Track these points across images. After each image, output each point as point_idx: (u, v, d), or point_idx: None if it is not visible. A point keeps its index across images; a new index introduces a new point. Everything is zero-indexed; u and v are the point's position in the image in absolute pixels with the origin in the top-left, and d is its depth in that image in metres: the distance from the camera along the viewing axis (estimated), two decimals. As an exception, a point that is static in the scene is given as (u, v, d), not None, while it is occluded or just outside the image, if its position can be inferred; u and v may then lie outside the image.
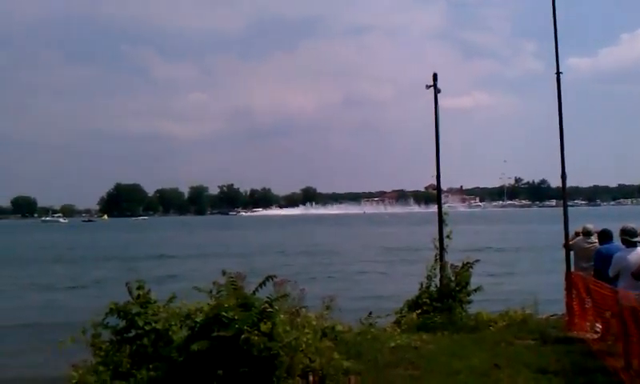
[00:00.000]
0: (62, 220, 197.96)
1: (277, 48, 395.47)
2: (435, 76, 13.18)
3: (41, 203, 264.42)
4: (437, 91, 13.22)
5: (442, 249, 12.93)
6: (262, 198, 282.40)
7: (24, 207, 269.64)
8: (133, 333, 7.67)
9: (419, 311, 12.11)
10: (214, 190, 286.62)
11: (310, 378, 7.05)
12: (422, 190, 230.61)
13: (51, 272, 40.25)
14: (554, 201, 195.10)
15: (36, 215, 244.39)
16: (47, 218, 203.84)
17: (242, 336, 6.55)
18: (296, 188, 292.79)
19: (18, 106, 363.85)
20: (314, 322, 8.33)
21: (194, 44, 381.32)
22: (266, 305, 7.02)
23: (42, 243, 75.71)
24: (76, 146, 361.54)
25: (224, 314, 6.69)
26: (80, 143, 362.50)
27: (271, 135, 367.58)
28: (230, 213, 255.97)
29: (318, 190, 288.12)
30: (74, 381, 7.22)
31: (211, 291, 7.24)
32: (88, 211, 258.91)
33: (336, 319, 9.77)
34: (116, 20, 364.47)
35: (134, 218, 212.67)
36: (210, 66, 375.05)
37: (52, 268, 43.08)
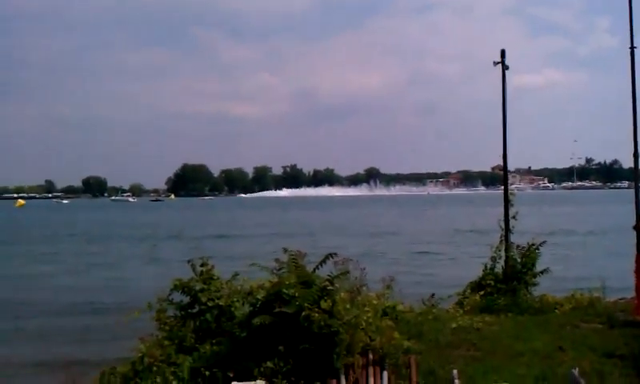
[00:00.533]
0: (130, 199, 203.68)
1: (342, 27, 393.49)
2: (503, 52, 12.84)
3: (111, 183, 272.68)
4: (504, 68, 12.87)
5: (507, 230, 12.66)
6: (325, 179, 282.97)
7: (95, 187, 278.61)
8: (196, 308, 7.84)
9: (482, 293, 11.93)
10: (277, 171, 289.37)
11: (370, 356, 7.05)
12: (489, 170, 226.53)
13: (119, 249, 41.62)
14: (626, 182, 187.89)
15: (106, 195, 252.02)
16: (117, 198, 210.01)
17: (303, 313, 6.60)
18: (359, 169, 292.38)
19: (90, 88, 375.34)
20: (375, 302, 8.31)
21: (261, 25, 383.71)
22: (327, 283, 7.04)
23: (113, 221, 78.24)
24: (145, 127, 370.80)
25: (285, 291, 6.75)
26: (149, 124, 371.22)
27: (335, 115, 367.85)
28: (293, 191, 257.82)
29: (382, 171, 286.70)
30: (141, 353, 7.43)
31: (273, 269, 7.31)
32: (156, 191, 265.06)
33: (397, 299, 9.73)
34: (185, 3, 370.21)
35: (199, 198, 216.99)
36: (277, 46, 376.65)
37: (121, 245, 44.52)
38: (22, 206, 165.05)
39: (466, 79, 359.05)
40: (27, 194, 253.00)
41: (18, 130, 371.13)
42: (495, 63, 12.86)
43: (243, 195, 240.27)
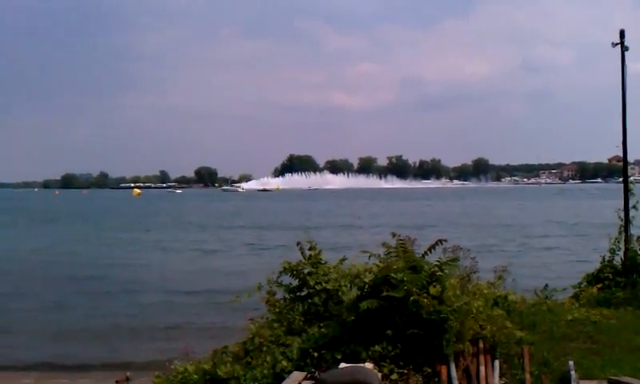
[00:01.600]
0: (240, 189, 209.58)
1: (448, 14, 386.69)
2: (622, 33, 12.07)
3: (221, 173, 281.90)
4: (624, 49, 12.09)
5: (627, 221, 11.97)
6: (432, 170, 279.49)
7: (206, 177, 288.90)
8: (305, 291, 7.92)
9: (600, 285, 11.34)
10: (382, 162, 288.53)
11: (481, 344, 6.87)
12: (605, 161, 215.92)
13: (230, 236, 42.96)
14: None
15: (217, 185, 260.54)
16: (227, 188, 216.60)
17: (411, 298, 6.51)
18: (467, 159, 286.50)
19: (200, 79, 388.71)
20: (486, 291, 8.10)
21: (365, 14, 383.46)
22: (436, 268, 6.92)
23: (223, 210, 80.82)
24: (253, 118, 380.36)
25: (393, 275, 6.68)
26: (257, 115, 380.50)
27: (442, 104, 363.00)
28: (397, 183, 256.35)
29: (491, 162, 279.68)
30: (251, 333, 7.61)
31: (381, 255, 7.25)
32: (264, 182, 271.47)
33: (509, 290, 9.43)
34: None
35: (305, 188, 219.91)
36: (380, 35, 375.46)
37: (229, 233, 45.92)
38: (139, 195, 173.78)
39: (581, 65, 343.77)
40: (143, 183, 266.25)
41: (135, 121, 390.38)
42: (614, 44, 12.10)
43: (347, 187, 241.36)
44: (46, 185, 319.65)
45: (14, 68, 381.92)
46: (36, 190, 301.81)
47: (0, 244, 39.32)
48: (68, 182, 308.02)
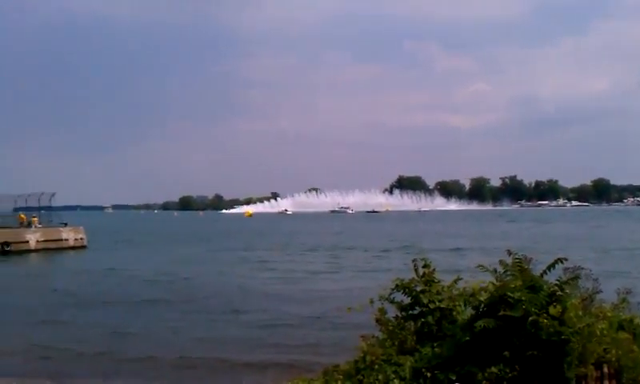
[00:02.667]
0: (348, 211, 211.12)
1: (562, 32, 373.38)
2: None
3: (330, 195, 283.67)
4: None
5: None
6: (548, 191, 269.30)
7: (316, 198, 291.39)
8: (417, 310, 7.78)
9: None
10: (495, 182, 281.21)
11: (605, 369, 6.49)
12: None
13: (340, 256, 43.30)
14: None
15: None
16: (336, 209, 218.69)
17: (530, 318, 6.25)
18: (586, 179, 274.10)
19: (307, 104, 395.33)
20: (609, 313, 7.66)
21: (475, 34, 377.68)
22: (556, 288, 6.62)
23: (331, 231, 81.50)
24: (362, 141, 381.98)
25: (510, 294, 6.44)
26: (365, 138, 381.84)
27: (558, 123, 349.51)
28: (513, 205, 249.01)
29: (612, 182, 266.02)
30: (363, 352, 7.56)
31: (496, 271, 7.04)
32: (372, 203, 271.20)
33: (634, 313, 8.89)
34: (399, 17, 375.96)
35: (414, 210, 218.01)
36: (492, 55, 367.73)
37: (340, 253, 46.31)
38: (251, 216, 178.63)
39: None
40: (255, 204, 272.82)
41: (248, 145, 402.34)
42: None
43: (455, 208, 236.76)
44: (165, 206, 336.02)
45: (132, 97, 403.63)
46: (156, 211, 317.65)
47: (144, 263, 41.90)
48: (185, 204, 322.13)
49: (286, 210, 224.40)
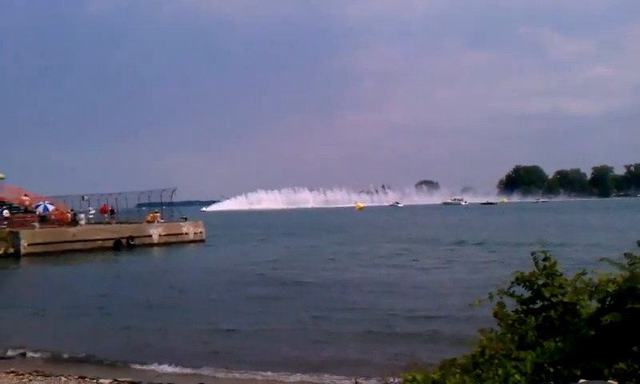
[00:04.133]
0: (462, 203, 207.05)
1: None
2: None
3: (443, 187, 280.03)
4: None
5: None
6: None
7: (428, 190, 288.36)
8: (538, 304, 7.59)
9: None
10: (620, 171, 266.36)
11: None
12: None
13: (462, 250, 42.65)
14: None
15: (439, 198, 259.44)
16: (449, 201, 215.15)
17: (661, 313, 5.95)
18: None
19: (423, 94, 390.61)
20: None
21: (595, 16, 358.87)
22: (691, 280, 6.24)
23: (448, 224, 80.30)
24: (475, 130, 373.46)
25: (639, 286, 6.16)
26: (479, 127, 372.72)
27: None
28: (638, 195, 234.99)
29: None
30: (481, 345, 7.47)
31: (624, 264, 6.72)
32: (487, 194, 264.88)
33: None
34: (511, 3, 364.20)
35: (532, 201, 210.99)
36: (614, 36, 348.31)
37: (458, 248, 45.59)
38: (361, 209, 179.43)
39: None
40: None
41: (357, 138, 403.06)
42: None
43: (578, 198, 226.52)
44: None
45: (245, 94, 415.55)
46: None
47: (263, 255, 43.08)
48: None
49: (397, 203, 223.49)
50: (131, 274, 35.76)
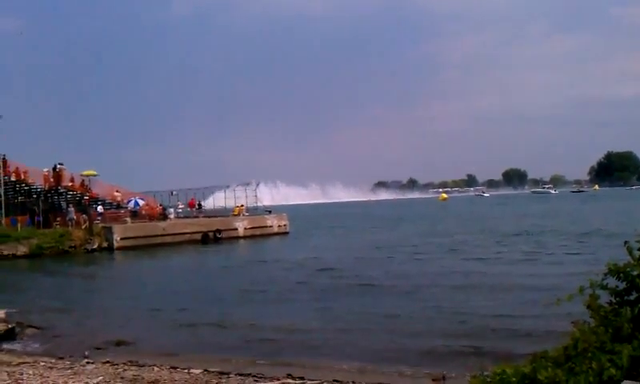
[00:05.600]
0: (552, 191, 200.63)
1: None
2: None
3: (531, 175, 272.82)
4: None
5: None
6: None
7: (515, 179, 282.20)
8: (634, 295, 7.30)
9: None
10: None
11: None
12: None
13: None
14: None
15: (526, 187, 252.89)
16: (538, 190, 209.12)
17: None
18: None
19: (508, 81, 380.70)
20: None
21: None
22: None
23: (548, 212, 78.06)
24: (565, 116, 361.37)
25: None
26: (569, 112, 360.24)
27: None
28: None
29: None
30: (574, 338, 7.25)
31: None
32: (578, 182, 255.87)
33: None
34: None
35: (626, 188, 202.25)
36: None
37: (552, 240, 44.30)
38: (446, 199, 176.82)
39: None
40: (450, 188, 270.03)
41: (442, 128, 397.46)
42: None
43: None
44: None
45: (329, 86, 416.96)
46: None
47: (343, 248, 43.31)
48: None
49: (483, 192, 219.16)
50: (217, 267, 36.64)
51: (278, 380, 12.03)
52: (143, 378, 12.29)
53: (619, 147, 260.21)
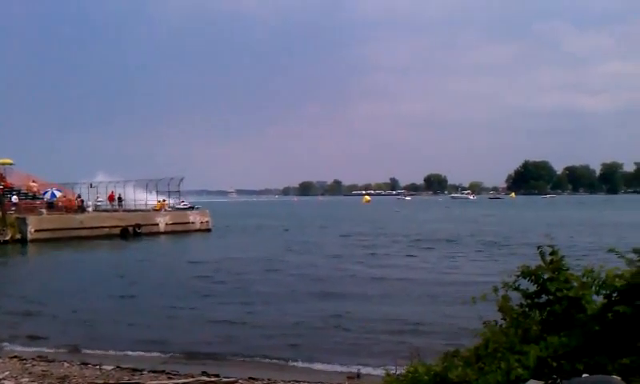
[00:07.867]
0: (470, 197, 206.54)
1: None
2: None
3: (451, 181, 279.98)
4: None
5: None
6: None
7: (435, 184, 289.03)
8: (544, 298, 7.52)
9: None
10: (629, 167, 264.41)
11: None
12: None
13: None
14: None
15: (446, 192, 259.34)
16: (457, 195, 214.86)
17: (669, 308, 5.88)
18: None
19: (435, 88, 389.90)
20: None
21: (610, 11, 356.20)
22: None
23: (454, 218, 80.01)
24: (488, 124, 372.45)
25: (647, 281, 6.08)
26: (492, 121, 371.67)
27: None
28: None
29: None
30: (485, 338, 7.42)
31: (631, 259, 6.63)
32: (495, 189, 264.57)
33: None
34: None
35: (541, 196, 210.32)
36: (629, 32, 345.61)
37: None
38: (369, 202, 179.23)
39: None
40: (374, 190, 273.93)
41: (368, 130, 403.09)
42: None
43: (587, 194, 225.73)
44: (285, 192, 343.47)
45: (267, 84, 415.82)
46: (276, 196, 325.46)
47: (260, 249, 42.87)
48: (305, 189, 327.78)
49: (404, 196, 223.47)
50: (135, 262, 35.73)
51: (193, 377, 11.80)
52: (52, 374, 11.84)
53: (536, 157, 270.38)
